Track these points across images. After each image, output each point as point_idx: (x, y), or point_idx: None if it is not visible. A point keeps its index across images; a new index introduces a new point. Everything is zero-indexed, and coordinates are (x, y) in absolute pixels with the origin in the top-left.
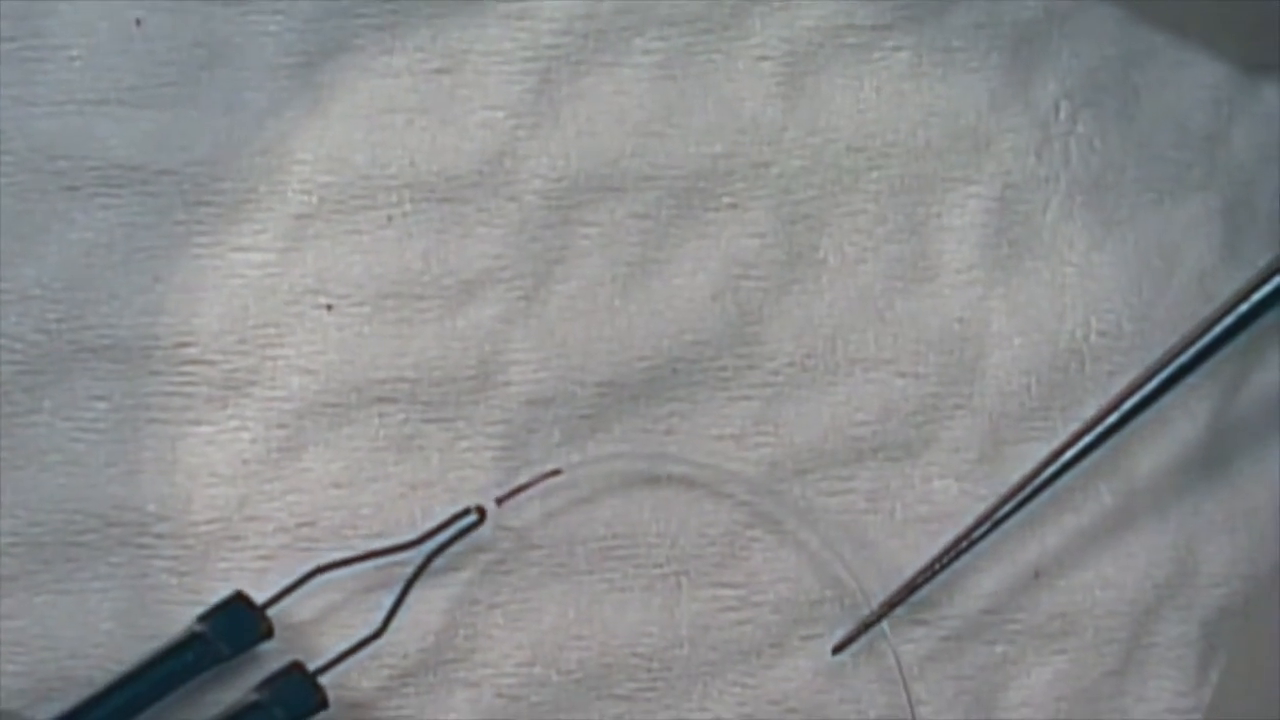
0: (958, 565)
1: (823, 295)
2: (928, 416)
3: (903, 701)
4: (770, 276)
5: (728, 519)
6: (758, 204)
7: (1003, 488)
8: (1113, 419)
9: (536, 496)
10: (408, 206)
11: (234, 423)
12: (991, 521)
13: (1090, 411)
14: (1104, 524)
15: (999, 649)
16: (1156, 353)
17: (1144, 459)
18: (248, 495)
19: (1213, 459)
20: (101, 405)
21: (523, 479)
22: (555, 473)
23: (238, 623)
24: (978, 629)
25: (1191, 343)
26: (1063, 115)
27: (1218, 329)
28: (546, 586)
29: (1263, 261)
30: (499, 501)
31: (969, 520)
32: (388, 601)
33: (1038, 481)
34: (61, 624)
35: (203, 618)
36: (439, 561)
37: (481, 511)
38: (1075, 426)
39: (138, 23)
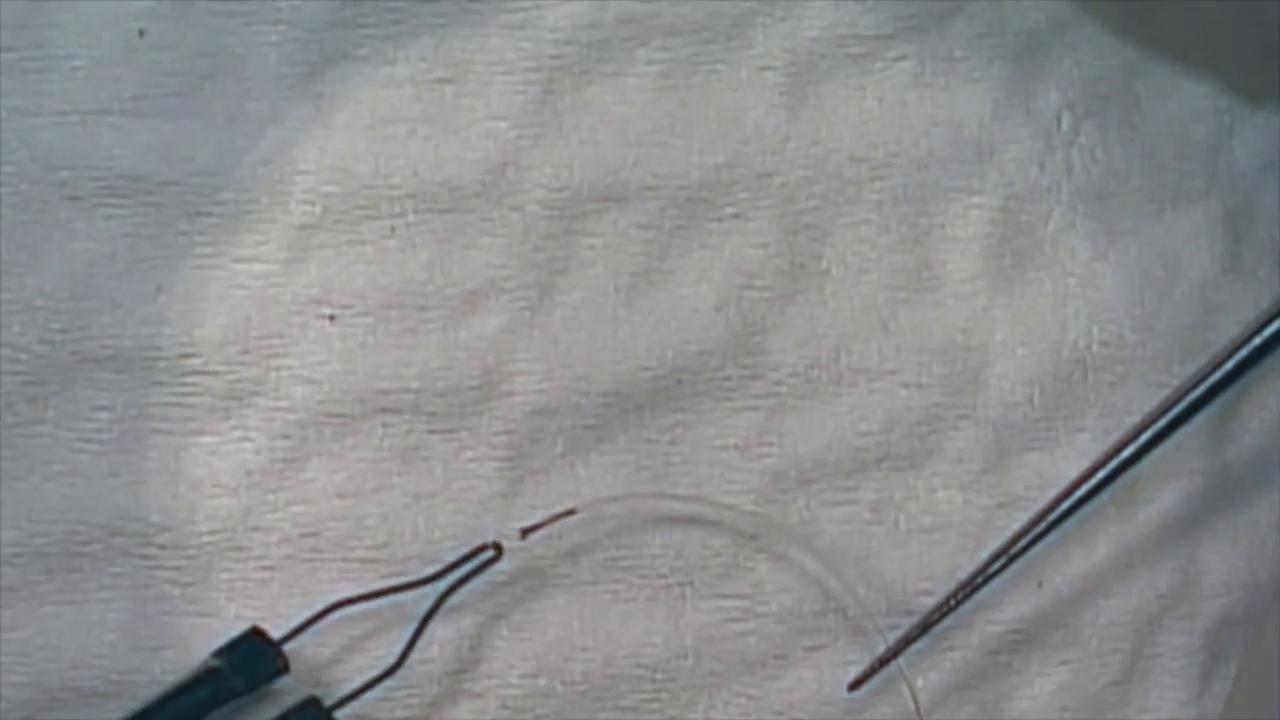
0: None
1: (826, 305)
2: (931, 427)
3: (909, 715)
4: (774, 287)
5: (731, 531)
6: (761, 214)
7: (1006, 498)
8: (1128, 453)
9: (541, 507)
10: (411, 217)
11: (237, 433)
12: (1008, 556)
13: (1091, 421)
14: (1106, 533)
15: (1002, 659)
16: (1159, 363)
17: (1146, 468)
18: (251, 506)
19: (1214, 468)
20: (104, 415)
21: (527, 489)
22: (570, 512)
23: (253, 658)
24: (981, 640)
25: (1206, 376)
26: (1065, 125)
27: (1232, 362)
28: (551, 598)
29: (1263, 271)
30: (524, 534)
31: (973, 531)
32: (402, 634)
33: (1053, 516)
34: (64, 635)
35: (218, 653)
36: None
37: (499, 548)
38: (1079, 436)
39: (141, 33)
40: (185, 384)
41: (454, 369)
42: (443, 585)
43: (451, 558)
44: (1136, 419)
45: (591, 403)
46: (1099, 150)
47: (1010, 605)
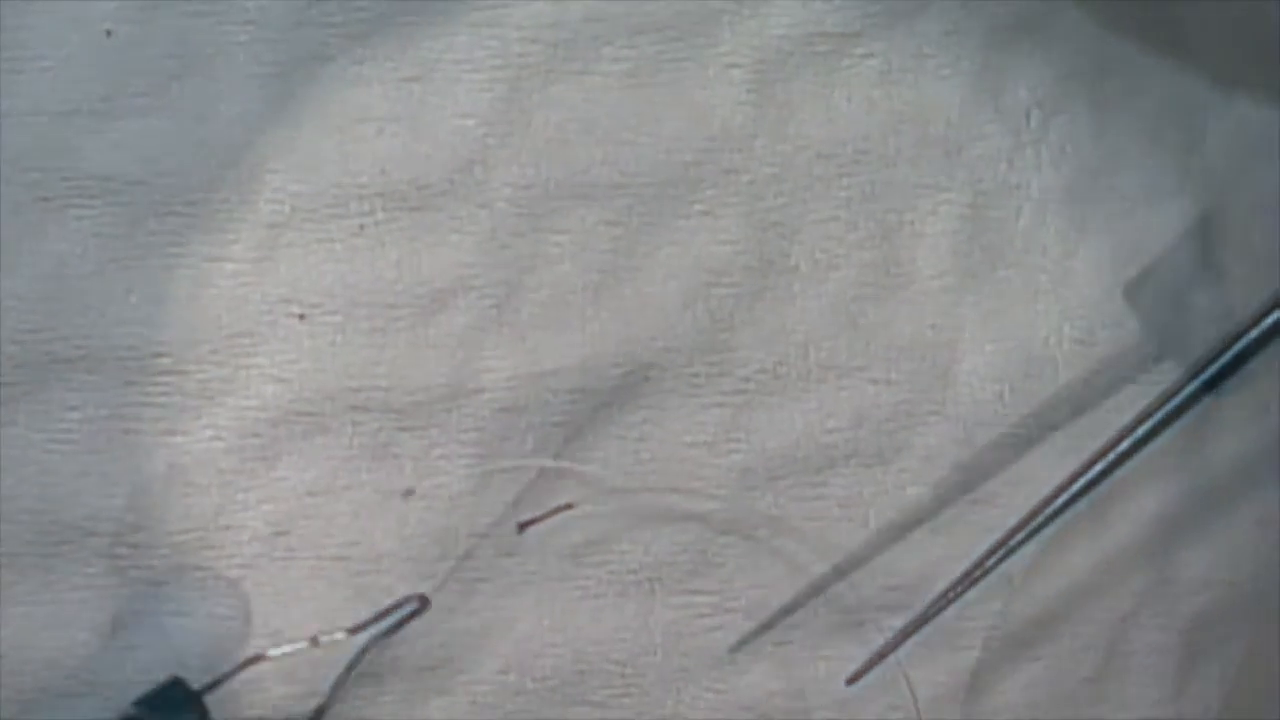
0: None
1: (794, 302)
2: (901, 423)
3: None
4: (742, 283)
5: (699, 525)
6: (729, 211)
7: (977, 495)
8: (1141, 432)
9: (509, 504)
10: (380, 215)
11: (209, 432)
12: (1005, 549)
13: (1064, 418)
14: (1080, 530)
15: (974, 655)
16: (1132, 360)
17: (1121, 466)
18: (223, 504)
19: (1191, 466)
20: (75, 416)
21: (496, 485)
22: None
23: (173, 708)
24: (953, 635)
25: (1193, 377)
26: (1034, 123)
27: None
28: (520, 594)
29: (1238, 269)
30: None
31: (943, 527)
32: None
33: (1048, 511)
34: (38, 635)
35: (139, 702)
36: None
37: (424, 600)
38: (1051, 434)
39: (108, 33)
40: (156, 383)
41: (423, 367)
42: (364, 639)
43: (417, 555)
44: (1109, 416)
45: (560, 399)
46: (1069, 147)
47: (982, 601)
